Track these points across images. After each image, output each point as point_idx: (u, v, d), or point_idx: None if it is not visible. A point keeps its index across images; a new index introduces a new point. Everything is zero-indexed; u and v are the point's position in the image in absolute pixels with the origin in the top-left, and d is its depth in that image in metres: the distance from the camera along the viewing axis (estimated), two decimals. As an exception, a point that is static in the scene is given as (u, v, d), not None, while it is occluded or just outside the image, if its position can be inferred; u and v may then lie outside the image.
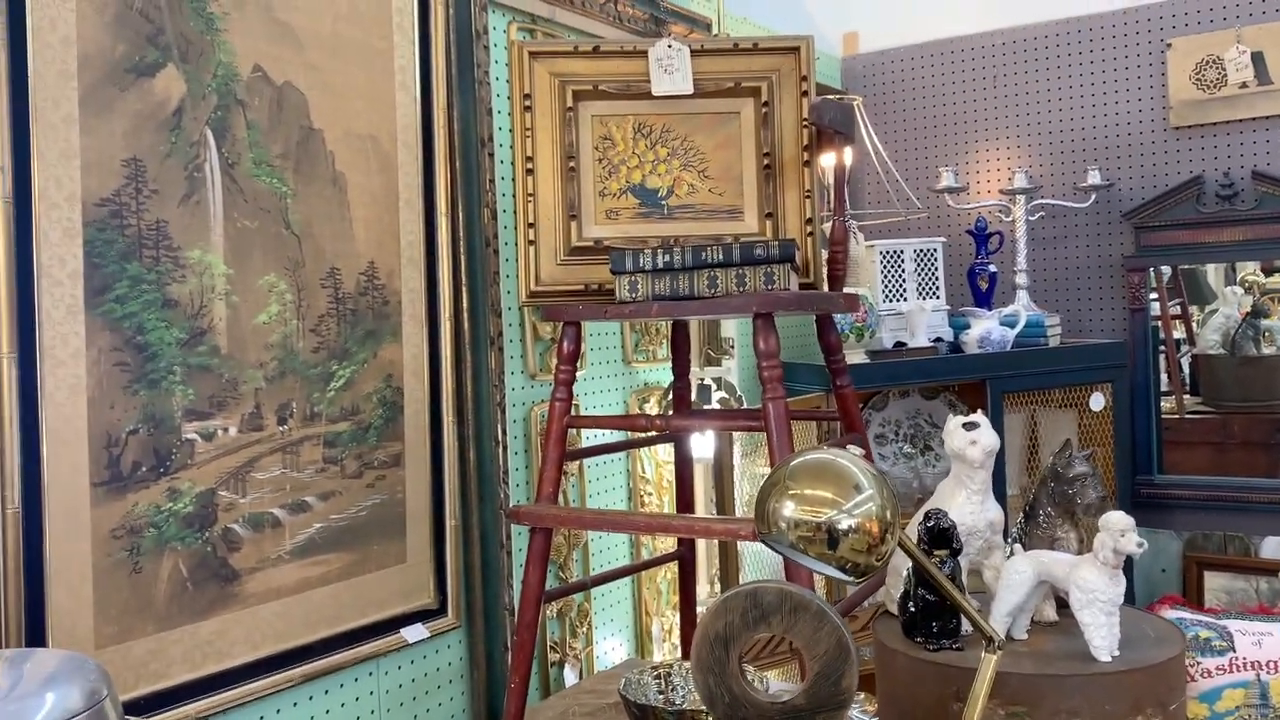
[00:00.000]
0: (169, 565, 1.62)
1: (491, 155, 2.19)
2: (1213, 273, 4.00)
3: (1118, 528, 1.41)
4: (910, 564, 1.54)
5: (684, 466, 2.17)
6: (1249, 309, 4.01)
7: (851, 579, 1.06)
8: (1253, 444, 3.78)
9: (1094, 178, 3.35)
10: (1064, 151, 3.51)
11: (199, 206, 1.68)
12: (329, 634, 1.87)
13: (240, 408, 1.73)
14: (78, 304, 1.51)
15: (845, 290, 1.91)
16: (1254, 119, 3.25)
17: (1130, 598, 3.30)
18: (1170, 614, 3.22)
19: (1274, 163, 3.23)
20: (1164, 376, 3.82)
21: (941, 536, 1.47)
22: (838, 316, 2.90)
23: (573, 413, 1.87)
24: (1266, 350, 3.92)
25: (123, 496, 1.57)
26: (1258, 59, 3.22)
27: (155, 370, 1.61)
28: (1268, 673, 3.07)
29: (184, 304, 1.65)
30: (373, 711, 1.98)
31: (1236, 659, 3.12)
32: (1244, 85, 3.25)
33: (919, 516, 1.53)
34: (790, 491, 1.05)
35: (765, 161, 1.92)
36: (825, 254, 1.97)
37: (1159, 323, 4.25)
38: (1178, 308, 4.27)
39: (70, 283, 1.50)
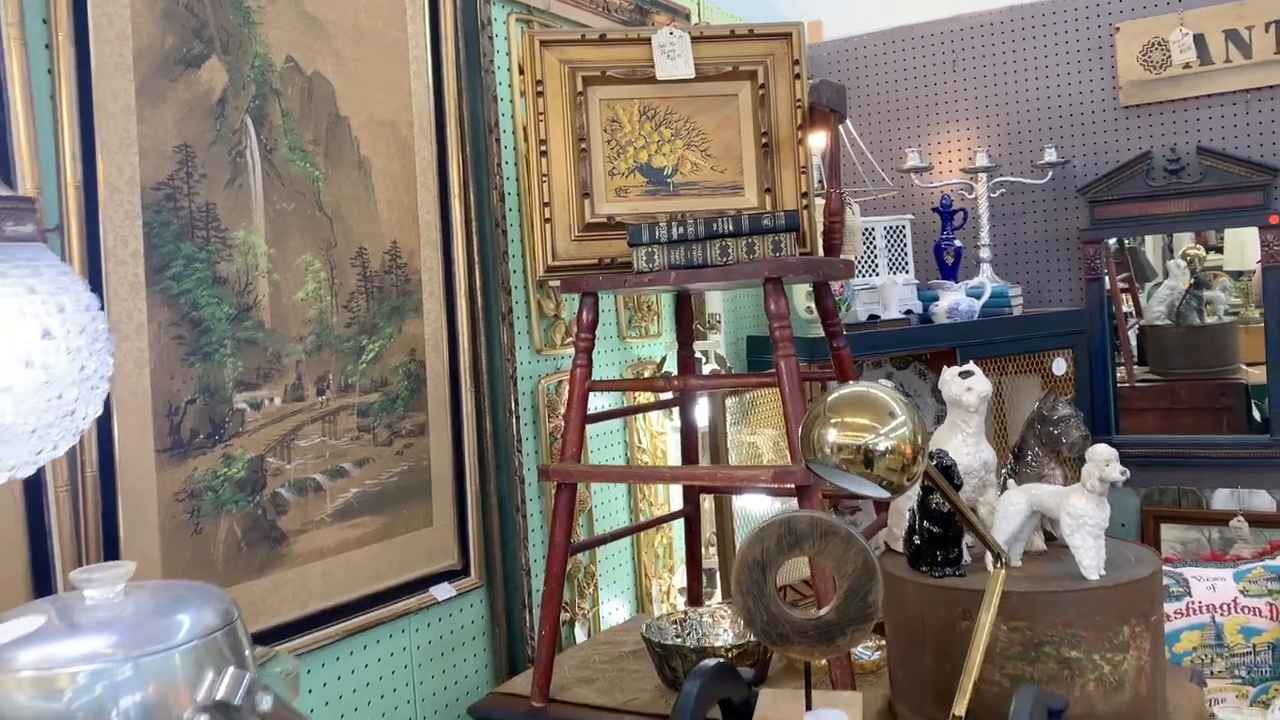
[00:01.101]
0: (225, 527, 1.73)
1: (498, 140, 2.31)
2: (1151, 249, 4.24)
3: (1103, 458, 1.58)
4: (913, 502, 1.70)
5: (689, 431, 2.31)
6: (1192, 281, 4.25)
7: (889, 495, 1.21)
8: (1199, 408, 3.99)
9: (1050, 155, 3.55)
10: (1021, 131, 3.70)
11: (242, 190, 1.78)
12: (367, 592, 1.99)
13: (283, 379, 1.84)
14: (139, 282, 1.62)
15: (845, 259, 2.06)
16: (1197, 97, 3.46)
17: (1093, 550, 3.52)
18: (1130, 564, 3.43)
19: (1216, 138, 3.44)
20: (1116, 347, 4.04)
21: (944, 474, 1.62)
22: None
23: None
24: (1209, 320, 4.16)
25: (184, 462, 1.68)
26: (1199, 41, 3.43)
27: (209, 344, 1.72)
28: (1221, 615, 3.30)
29: (232, 281, 1.76)
30: (405, 666, 2.10)
31: (1193, 603, 3.34)
32: (1187, 66, 3.45)
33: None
34: (832, 420, 1.20)
35: (763, 140, 2.07)
36: (821, 225, 2.12)
37: (1110, 295, 4.48)
38: (1125, 282, 4.51)
39: (132, 262, 1.61)
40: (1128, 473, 1.59)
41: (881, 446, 1.17)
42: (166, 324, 1.65)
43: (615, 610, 2.70)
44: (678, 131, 2.07)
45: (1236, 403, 3.96)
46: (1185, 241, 4.12)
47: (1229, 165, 3.41)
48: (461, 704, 2.15)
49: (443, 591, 2.15)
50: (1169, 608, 3.38)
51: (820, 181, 2.85)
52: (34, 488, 1.48)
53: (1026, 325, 3.41)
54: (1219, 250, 4.05)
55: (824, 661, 1.73)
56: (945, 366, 1.77)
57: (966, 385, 1.70)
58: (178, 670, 1.01)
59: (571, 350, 2.29)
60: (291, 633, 1.83)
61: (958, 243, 3.55)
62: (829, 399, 1.22)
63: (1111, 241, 4.22)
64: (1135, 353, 4.46)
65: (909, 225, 3.42)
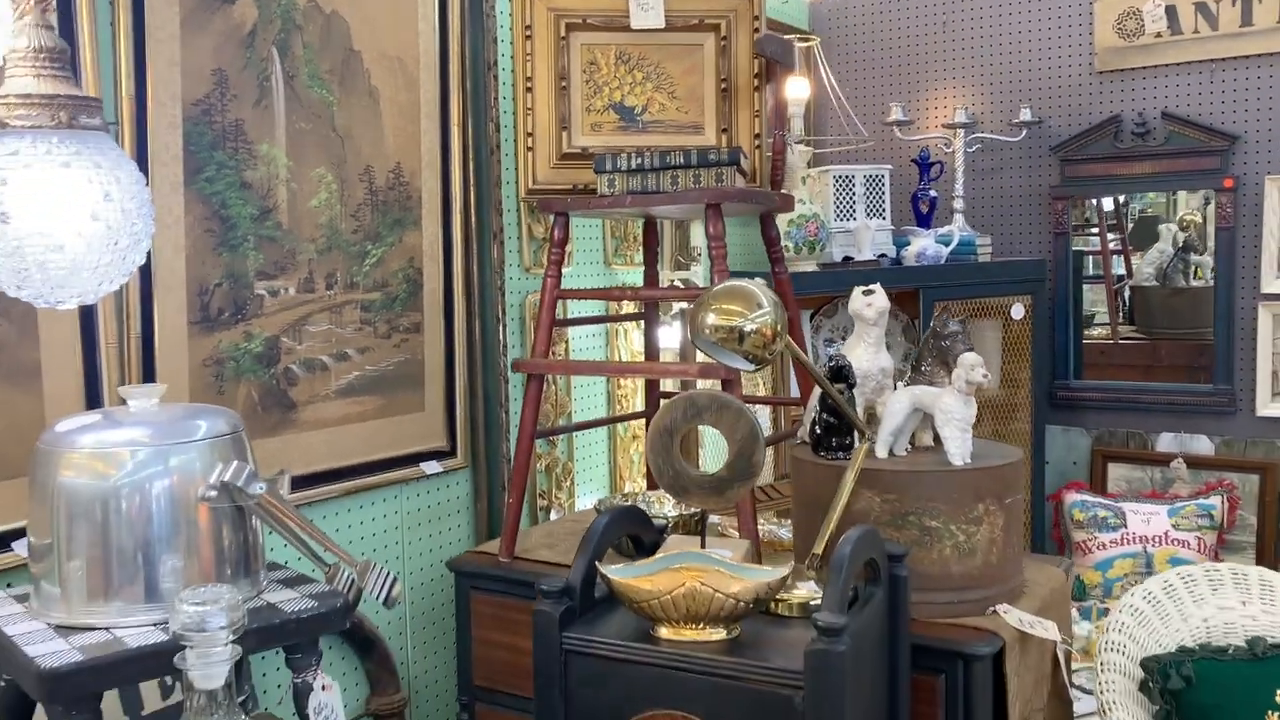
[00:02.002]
0: (244, 391, 2.08)
1: (496, 77, 2.61)
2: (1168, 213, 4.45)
3: (969, 364, 1.88)
4: (817, 400, 2.01)
5: (651, 340, 2.63)
6: (1182, 244, 4.48)
7: (754, 367, 1.53)
8: (1177, 366, 4.23)
9: (1025, 115, 3.79)
10: (1000, 91, 3.95)
11: (267, 110, 2.11)
12: (364, 460, 2.34)
13: (297, 273, 2.18)
14: (179, 181, 1.95)
15: (783, 193, 2.36)
16: (1166, 65, 3.69)
17: (1042, 484, 3.82)
18: (1074, 497, 3.73)
19: (1180, 104, 3.67)
20: (1099, 306, 4.30)
21: (838, 373, 1.94)
22: (794, 231, 3.35)
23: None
24: (1195, 282, 4.39)
25: (211, 334, 2.02)
26: (1170, 12, 3.65)
27: (234, 237, 2.06)
28: (1152, 545, 3.59)
29: (256, 187, 2.09)
30: (396, 527, 2.45)
31: (1128, 534, 3.64)
32: (1158, 35, 3.68)
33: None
34: (712, 306, 1.51)
35: (723, 85, 2.36)
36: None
37: (1099, 255, 4.72)
38: (1118, 243, 4.74)
39: (173, 165, 1.94)
40: (989, 376, 1.89)
41: (749, 328, 1.49)
42: (200, 218, 1.99)
43: (588, 504, 3.04)
44: (648, 75, 2.37)
45: (1212, 363, 4.21)
46: (1191, 205, 4.33)
47: (1191, 130, 3.64)
48: (444, 562, 2.50)
49: (431, 467, 2.49)
50: (1104, 537, 3.68)
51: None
52: (89, 345, 1.83)
53: (989, 272, 3.69)
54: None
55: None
56: (858, 289, 2.07)
57: (867, 301, 2.00)
58: (196, 460, 1.36)
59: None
60: (298, 487, 2.17)
61: (933, 193, 3.81)
62: (711, 290, 1.54)
63: (1106, 202, 4.47)
64: (1126, 311, 4.71)
65: (887, 175, 3.68)
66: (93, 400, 1.82)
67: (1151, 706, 2.02)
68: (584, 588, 1.59)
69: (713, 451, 3.19)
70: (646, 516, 1.76)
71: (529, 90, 2.32)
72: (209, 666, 1.20)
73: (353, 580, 1.44)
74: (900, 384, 2.06)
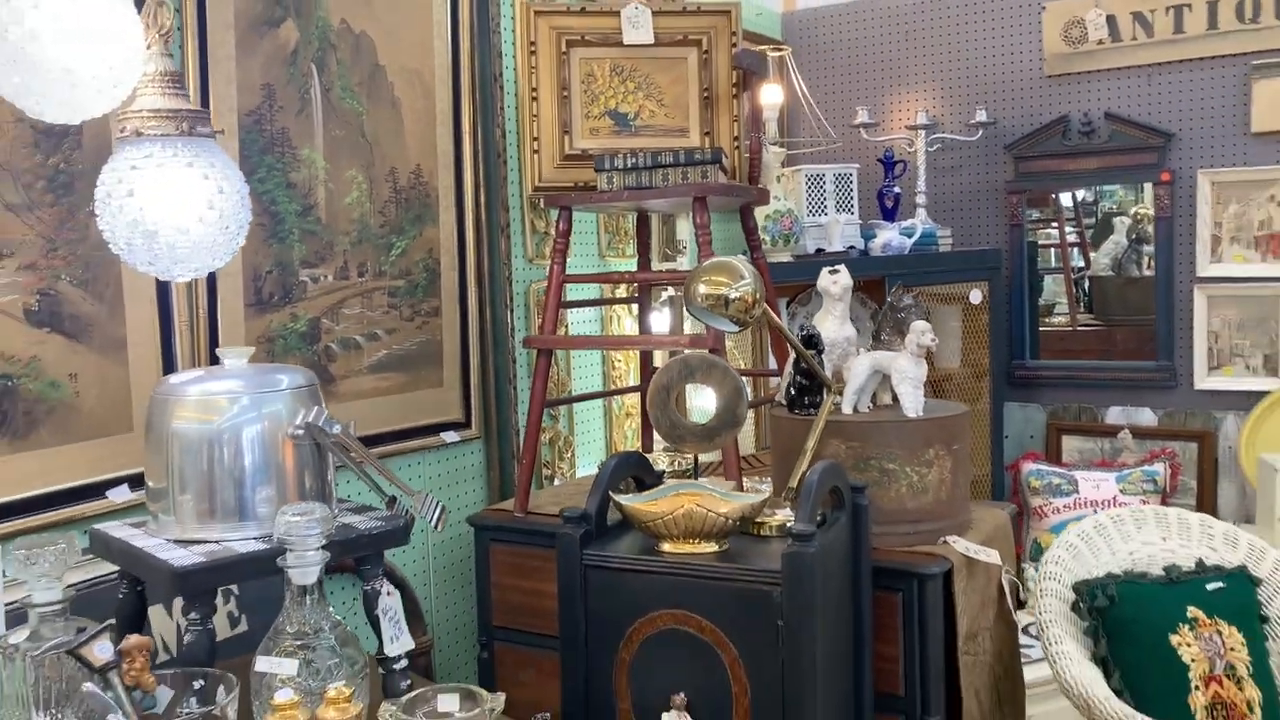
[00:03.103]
0: (291, 363, 2.37)
1: (501, 88, 2.92)
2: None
3: (919, 330, 2.20)
4: (791, 366, 2.32)
5: (644, 327, 2.94)
6: (1136, 236, 4.82)
7: (737, 328, 1.84)
8: (1130, 351, 4.56)
9: (981, 116, 4.13)
10: (958, 94, 4.29)
11: (307, 119, 2.41)
12: (392, 429, 2.64)
13: (334, 262, 2.48)
14: (236, 182, 2.24)
15: (760, 187, 2.67)
16: (1108, 69, 4.03)
17: (1001, 455, 4.15)
18: (1031, 466, 4.07)
19: (1122, 105, 4.02)
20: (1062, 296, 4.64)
21: (809, 340, 2.25)
22: (770, 225, 3.67)
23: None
24: (1147, 272, 4.72)
25: (263, 315, 2.32)
26: (1111, 21, 4.00)
27: (282, 230, 2.36)
28: (1102, 509, 3.92)
29: (299, 186, 2.39)
30: (420, 489, 2.75)
31: (1079, 499, 3.98)
32: (1101, 42, 4.02)
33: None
34: (702, 278, 1.82)
35: (705, 94, 2.68)
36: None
37: (1057, 248, 5.06)
38: (1077, 235, 5.09)
39: (232, 168, 2.23)
40: (936, 340, 2.21)
41: (733, 295, 1.80)
42: (254, 214, 2.28)
43: (588, 471, 3.34)
44: (639, 85, 2.68)
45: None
46: (1145, 200, 4.64)
47: (1132, 129, 3.99)
48: (463, 521, 2.80)
49: (450, 436, 2.80)
50: (1058, 502, 4.02)
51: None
52: (166, 324, 2.12)
53: (948, 260, 4.02)
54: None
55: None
56: (826, 269, 2.39)
57: (833, 279, 2.32)
58: (282, 406, 1.66)
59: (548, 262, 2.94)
60: (336, 450, 2.47)
61: (897, 189, 4.14)
62: (702, 265, 1.85)
63: (1065, 198, 4.80)
64: (1086, 300, 5.05)
65: (855, 173, 4.01)
66: (169, 369, 2.11)
67: (1081, 623, 2.34)
68: (599, 516, 1.90)
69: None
70: (648, 462, 2.07)
71: (534, 99, 2.63)
72: (305, 565, 1.51)
73: (408, 507, 1.75)
74: (863, 350, 2.37)
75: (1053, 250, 4.96)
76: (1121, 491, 3.94)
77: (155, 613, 1.96)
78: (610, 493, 1.87)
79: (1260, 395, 3.83)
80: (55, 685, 1.46)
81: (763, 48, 3.90)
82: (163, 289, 2.10)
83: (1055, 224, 4.95)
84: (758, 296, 1.82)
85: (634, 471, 2.04)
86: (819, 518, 1.91)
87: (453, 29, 2.79)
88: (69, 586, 1.54)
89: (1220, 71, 3.86)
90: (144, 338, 2.08)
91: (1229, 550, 2.51)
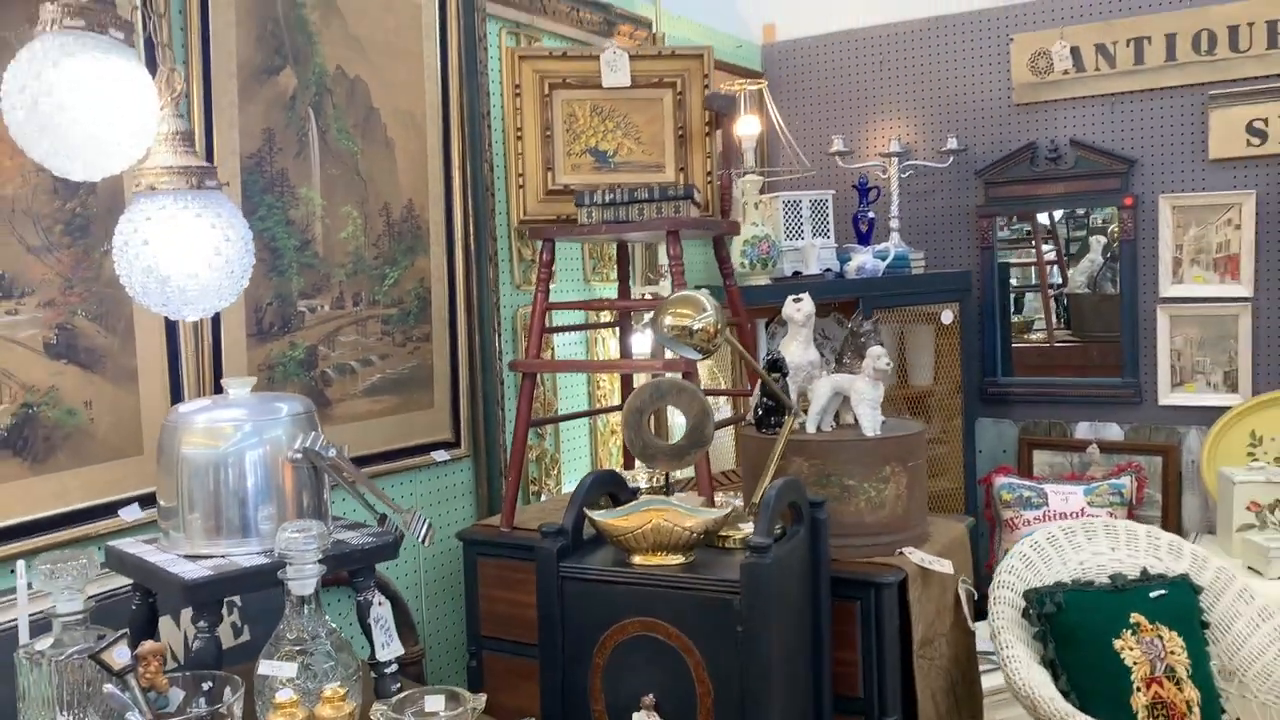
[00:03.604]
0: (290, 389, 2.53)
1: (489, 126, 3.09)
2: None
3: (875, 355, 2.36)
4: (759, 389, 2.48)
5: (625, 346, 3.10)
6: (1110, 254, 4.99)
7: (700, 356, 2.00)
8: (1107, 365, 4.71)
9: (952, 143, 4.31)
10: (930, 122, 4.46)
11: (305, 160, 2.57)
12: (385, 449, 2.79)
13: (331, 293, 2.64)
14: (238, 221, 2.41)
15: (730, 220, 2.84)
16: (1073, 99, 4.21)
17: (974, 469, 4.30)
18: (1002, 479, 4.23)
19: (1087, 133, 4.19)
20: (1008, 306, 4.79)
21: (774, 364, 2.41)
22: (748, 250, 3.83)
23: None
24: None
25: (264, 344, 2.48)
26: (1075, 52, 4.17)
27: (281, 264, 2.52)
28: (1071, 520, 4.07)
29: (298, 223, 2.55)
30: (413, 506, 2.90)
31: (1049, 511, 4.12)
32: (1066, 72, 4.20)
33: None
34: (669, 310, 1.98)
35: (679, 133, 2.84)
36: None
37: (1034, 267, 5.23)
38: (1053, 255, 5.25)
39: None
40: (891, 363, 2.37)
41: (696, 326, 1.96)
42: (255, 250, 2.44)
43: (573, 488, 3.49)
44: (618, 124, 2.85)
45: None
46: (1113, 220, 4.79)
47: (1096, 156, 4.16)
48: (452, 536, 2.95)
49: (440, 456, 2.95)
50: (1028, 514, 4.17)
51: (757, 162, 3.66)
52: (173, 354, 2.28)
53: (920, 282, 4.18)
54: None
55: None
56: (790, 297, 2.55)
57: (797, 307, 2.48)
58: (282, 432, 1.81)
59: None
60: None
61: (871, 214, 4.31)
62: (669, 297, 2.01)
63: (1042, 218, 4.96)
64: (1064, 316, 5.21)
65: (830, 199, 4.18)
66: (176, 397, 2.27)
67: (1031, 628, 2.50)
68: (575, 530, 2.05)
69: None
70: (623, 479, 2.23)
71: (519, 138, 2.80)
72: (303, 578, 1.67)
73: (398, 524, 1.90)
74: (825, 373, 2.53)
75: (1032, 268, 5.14)
76: (1089, 504, 4.09)
77: (164, 623, 2.11)
78: (585, 509, 2.03)
79: (1220, 410, 3.99)
80: (77, 688, 1.61)
81: (741, 81, 4.07)
82: (170, 322, 2.26)
83: (1033, 243, 5.12)
84: (719, 327, 1.98)
85: (609, 489, 2.19)
86: (779, 531, 2.07)
87: (442, 72, 2.95)
88: (88, 598, 1.69)
89: (1179, 101, 4.04)
90: (153, 367, 2.23)
91: (1173, 560, 2.67)
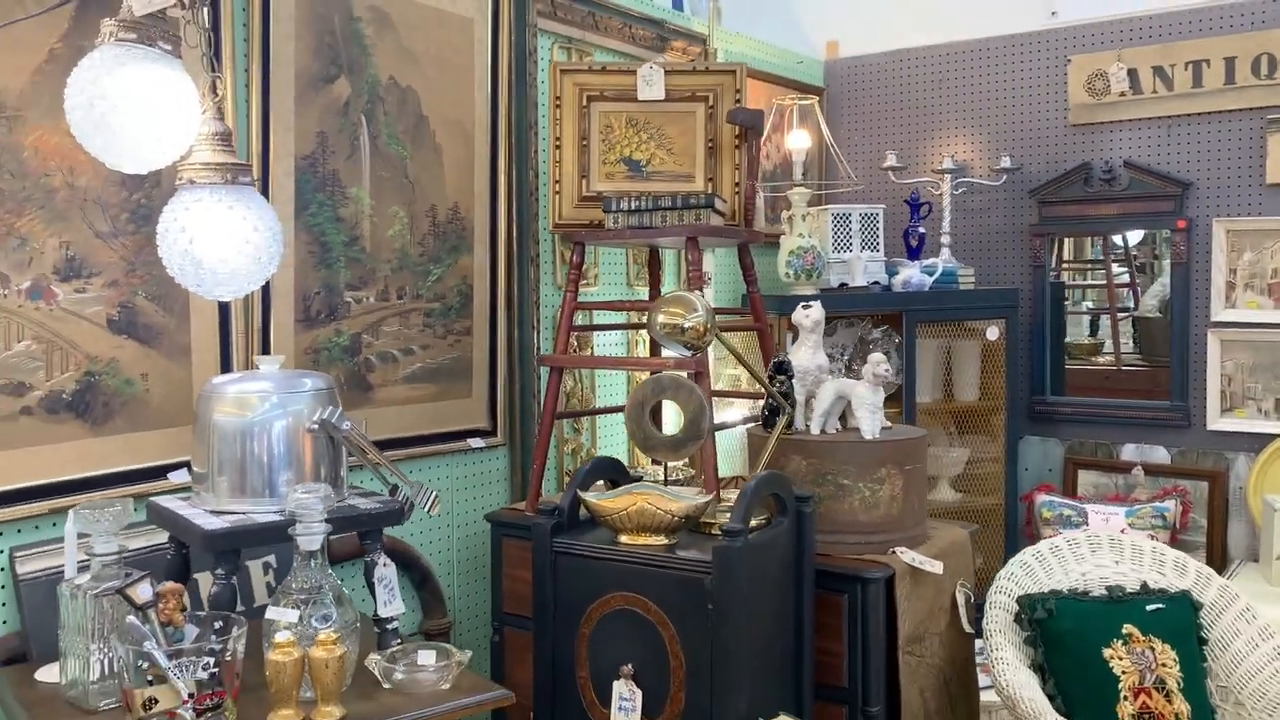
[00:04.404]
0: (334, 374, 2.75)
1: (536, 135, 3.27)
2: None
3: (874, 361, 2.46)
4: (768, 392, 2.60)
5: (655, 346, 3.25)
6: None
7: (690, 353, 2.14)
8: (1161, 389, 4.66)
9: (1006, 162, 4.35)
10: (985, 140, 4.51)
11: (356, 162, 2.79)
12: (423, 433, 2.99)
13: (376, 285, 2.85)
14: (290, 215, 2.63)
15: (753, 229, 2.97)
16: (1128, 120, 4.21)
17: (1016, 486, 4.32)
18: (1043, 498, 4.24)
19: (1141, 154, 4.19)
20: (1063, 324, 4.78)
21: (779, 366, 2.54)
22: (793, 261, 3.95)
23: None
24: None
25: (311, 330, 2.70)
26: (1132, 75, 4.18)
27: (330, 258, 2.73)
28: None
29: (347, 220, 2.77)
30: (447, 489, 3.10)
31: (1088, 531, 4.13)
32: (1122, 94, 4.21)
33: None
34: (662, 309, 2.12)
35: (709, 145, 2.98)
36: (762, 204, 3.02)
37: (1105, 289, 5.20)
38: (1127, 276, 5.22)
39: (287, 203, 2.62)
40: (891, 370, 2.47)
41: (686, 325, 2.10)
42: (305, 243, 2.67)
43: (610, 485, 3.65)
44: (651, 135, 3.00)
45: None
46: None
47: (1150, 178, 4.16)
48: (483, 518, 3.13)
49: (476, 443, 3.14)
50: (1067, 533, 4.17)
51: (804, 174, 3.80)
52: (225, 334, 2.51)
53: (967, 298, 4.23)
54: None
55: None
56: (800, 304, 2.66)
57: (806, 314, 2.60)
58: (305, 404, 2.01)
59: (587, 289, 3.29)
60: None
61: (922, 229, 4.37)
62: (662, 297, 2.16)
63: (1117, 239, 4.94)
64: (1136, 339, 5.16)
65: (881, 213, 4.26)
66: (225, 373, 2.49)
67: (1022, 633, 2.56)
68: (570, 511, 2.21)
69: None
70: (622, 466, 2.38)
71: (558, 148, 2.97)
72: (310, 534, 1.86)
73: (407, 494, 2.08)
74: (831, 378, 2.64)
75: (1101, 291, 5.11)
76: (1130, 525, 4.08)
77: (203, 579, 2.33)
78: (579, 491, 2.18)
79: (1271, 438, 3.95)
80: (107, 621, 1.83)
81: (792, 96, 4.19)
82: (223, 306, 2.49)
83: (1102, 265, 5.10)
84: (708, 326, 2.12)
85: (609, 475, 2.34)
86: (764, 520, 2.19)
87: (492, 84, 3.15)
88: (133, 551, 1.91)
89: (1237, 125, 4.02)
90: (205, 345, 2.46)
91: (1177, 576, 2.70)
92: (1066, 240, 4.64)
